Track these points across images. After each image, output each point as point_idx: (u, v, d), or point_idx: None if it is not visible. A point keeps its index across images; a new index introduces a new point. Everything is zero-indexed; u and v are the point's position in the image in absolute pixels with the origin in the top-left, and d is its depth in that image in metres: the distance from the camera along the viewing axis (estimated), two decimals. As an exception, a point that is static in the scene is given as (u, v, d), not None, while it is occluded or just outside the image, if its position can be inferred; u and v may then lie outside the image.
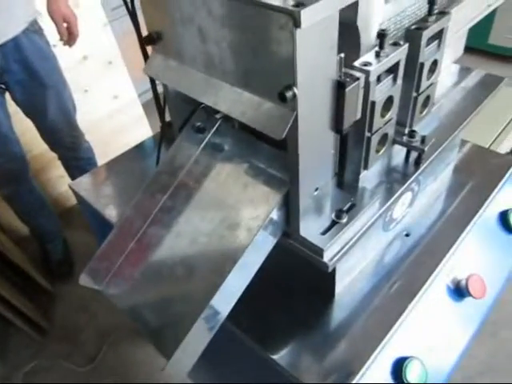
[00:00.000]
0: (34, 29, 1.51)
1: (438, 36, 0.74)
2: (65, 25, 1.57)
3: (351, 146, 0.70)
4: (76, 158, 1.92)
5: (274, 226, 0.69)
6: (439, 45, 0.76)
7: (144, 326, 0.76)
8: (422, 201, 0.98)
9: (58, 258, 2.11)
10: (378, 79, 0.65)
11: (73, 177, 1.98)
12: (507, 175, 1.07)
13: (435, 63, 0.76)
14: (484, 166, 1.10)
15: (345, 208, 0.70)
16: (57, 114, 1.70)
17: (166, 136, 0.89)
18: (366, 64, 0.61)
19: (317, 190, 0.65)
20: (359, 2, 0.58)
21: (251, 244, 0.66)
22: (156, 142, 1.19)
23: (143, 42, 0.68)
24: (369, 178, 0.76)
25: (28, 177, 1.83)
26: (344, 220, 0.68)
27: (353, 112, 0.60)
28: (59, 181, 2.32)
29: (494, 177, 1.07)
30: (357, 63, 0.61)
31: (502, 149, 1.61)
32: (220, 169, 0.80)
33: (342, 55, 0.55)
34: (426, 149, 0.76)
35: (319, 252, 0.66)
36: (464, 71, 1.03)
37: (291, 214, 0.67)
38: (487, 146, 1.56)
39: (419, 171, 0.80)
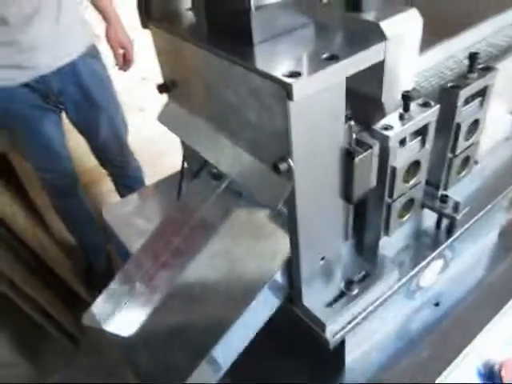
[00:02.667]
0: (91, 54, 1.57)
1: (482, 93, 0.67)
2: (121, 51, 1.63)
3: (369, 210, 0.64)
4: (124, 175, 1.98)
5: (278, 287, 0.64)
6: (482, 103, 0.68)
7: (140, 369, 0.74)
8: (458, 267, 0.88)
9: (101, 270, 2.17)
10: (402, 142, 0.59)
11: (120, 193, 2.05)
12: None
13: (476, 122, 0.68)
14: (538, 230, 0.98)
15: (357, 278, 0.64)
16: (108, 135, 1.76)
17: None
18: (387, 127, 0.56)
19: (323, 259, 0.59)
20: (385, 61, 0.53)
21: (253, 301, 0.62)
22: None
23: (160, 89, 0.68)
24: (391, 243, 0.69)
25: (77, 191, 1.90)
26: (354, 292, 0.62)
27: (365, 181, 0.55)
28: (110, 194, 2.40)
29: (548, 243, 0.95)
30: (378, 126, 0.56)
31: None
32: (234, 217, 0.76)
33: (352, 123, 0.50)
34: (458, 217, 0.68)
35: (321, 326, 0.60)
36: (520, 124, 0.93)
37: (294, 279, 0.62)
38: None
39: (451, 239, 0.72)
